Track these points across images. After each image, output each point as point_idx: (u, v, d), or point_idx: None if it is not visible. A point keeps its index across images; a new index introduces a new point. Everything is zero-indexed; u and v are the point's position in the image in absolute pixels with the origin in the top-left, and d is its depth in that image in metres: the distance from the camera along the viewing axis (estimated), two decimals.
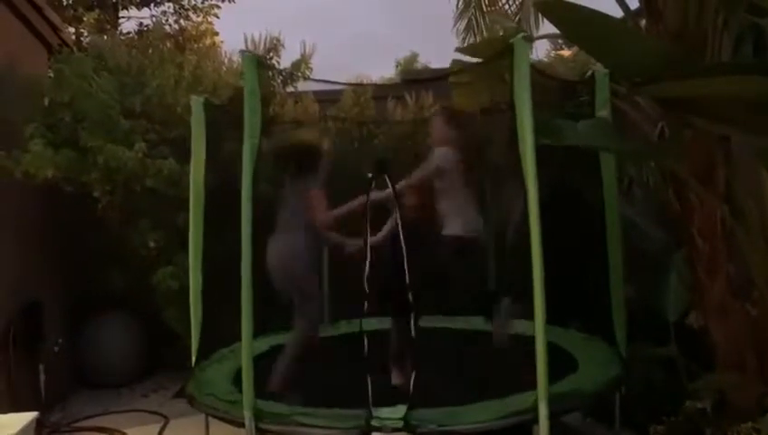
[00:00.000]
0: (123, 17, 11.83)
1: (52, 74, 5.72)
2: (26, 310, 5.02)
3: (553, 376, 3.27)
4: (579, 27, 3.15)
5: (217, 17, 11.96)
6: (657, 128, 3.92)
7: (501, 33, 6.53)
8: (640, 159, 5.14)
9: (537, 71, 3.92)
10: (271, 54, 6.04)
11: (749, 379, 3.60)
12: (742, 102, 2.88)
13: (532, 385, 3.17)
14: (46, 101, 5.40)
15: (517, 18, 6.81)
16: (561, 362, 3.92)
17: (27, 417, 3.70)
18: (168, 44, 6.30)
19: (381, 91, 6.55)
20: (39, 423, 4.07)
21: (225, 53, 6.70)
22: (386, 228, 4.48)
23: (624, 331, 4.13)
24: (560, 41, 9.12)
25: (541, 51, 12.41)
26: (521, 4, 6.94)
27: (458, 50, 5.42)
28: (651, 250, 4.66)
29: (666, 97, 3.39)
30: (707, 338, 3.82)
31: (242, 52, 3.72)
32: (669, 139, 3.80)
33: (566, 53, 7.97)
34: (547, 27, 6.63)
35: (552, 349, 3.30)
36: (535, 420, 3.17)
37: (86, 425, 4.94)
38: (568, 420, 4.20)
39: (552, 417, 3.19)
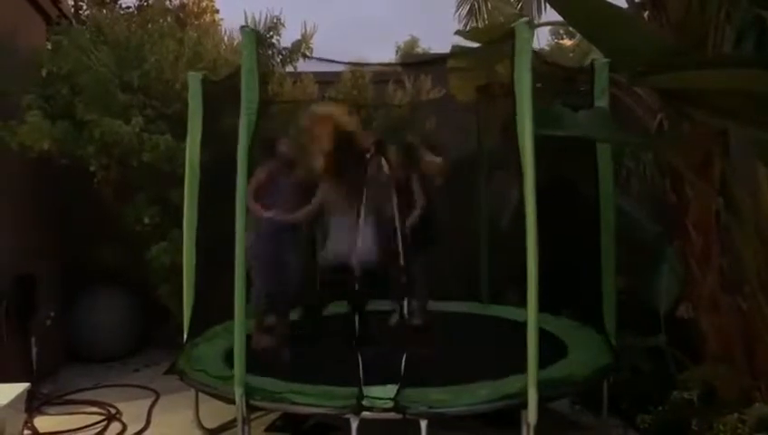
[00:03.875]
0: None
1: (50, 46, 5.66)
2: (19, 283, 5.01)
3: (543, 362, 3.28)
4: (582, 15, 3.15)
5: None
6: (655, 119, 3.93)
7: (501, 20, 6.51)
8: (638, 150, 5.16)
9: (539, 57, 3.90)
10: (271, 33, 5.99)
11: (737, 371, 3.65)
12: (742, 96, 2.89)
13: (522, 370, 3.19)
14: (44, 73, 5.35)
15: (519, 5, 6.79)
16: (552, 349, 3.95)
17: (19, 388, 3.71)
18: (169, 19, 6.23)
19: (380, 74, 6.52)
20: (30, 395, 4.08)
21: (225, 30, 6.65)
22: None
23: (614, 320, 4.15)
24: (561, 30, 9.11)
25: (542, 40, 12.35)
26: None
27: (458, 32, 5.35)
28: (645, 241, 4.69)
29: (665, 88, 3.40)
30: (697, 329, 3.86)
31: (242, 27, 3.67)
32: (668, 131, 3.81)
33: (567, 42, 7.96)
34: (550, 15, 6.61)
35: (543, 335, 3.32)
36: (524, 405, 3.20)
37: (77, 398, 4.95)
38: (556, 407, 4.24)
39: (541, 402, 3.22)
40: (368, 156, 3.87)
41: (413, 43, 15.48)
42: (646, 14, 4.05)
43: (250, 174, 3.43)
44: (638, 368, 4.26)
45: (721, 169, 3.63)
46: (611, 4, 3.07)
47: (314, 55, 5.91)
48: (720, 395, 3.68)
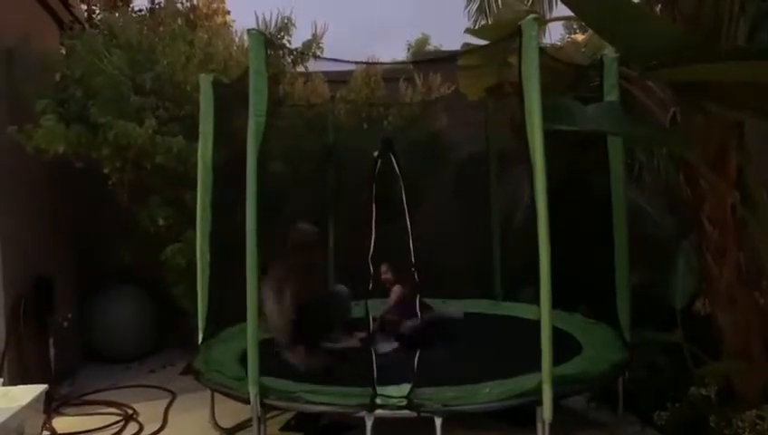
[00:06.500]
0: None
1: (63, 50, 5.71)
2: (37, 284, 5.06)
3: (557, 359, 3.27)
4: (593, 9, 3.12)
5: None
6: (669, 113, 3.89)
7: (510, 16, 6.47)
8: (651, 144, 5.11)
9: (546, 54, 3.88)
10: (282, 34, 6.00)
11: (755, 367, 3.61)
12: (756, 88, 2.86)
13: (537, 367, 3.17)
14: (58, 77, 5.40)
15: (530, 0, 6.74)
16: (566, 346, 3.93)
17: (37, 389, 3.75)
18: (180, 21, 6.26)
19: (391, 72, 6.51)
20: (48, 396, 4.13)
21: (236, 31, 6.67)
22: None
23: (628, 316, 4.12)
24: (574, 25, 9.04)
25: (554, 35, 12.30)
26: None
27: (468, 31, 5.33)
28: (660, 236, 4.65)
29: (679, 81, 3.36)
30: (714, 325, 3.82)
31: (249, 30, 3.68)
32: (681, 124, 3.77)
33: (579, 37, 7.89)
34: (561, 10, 6.56)
35: (557, 333, 3.30)
36: (539, 402, 3.19)
37: (94, 399, 4.99)
38: (572, 405, 4.21)
39: (556, 399, 3.21)
40: (375, 154, 3.84)
41: (424, 41, 15.49)
42: (658, 7, 4.01)
43: (260, 175, 3.44)
44: (655, 364, 4.22)
45: (737, 163, 3.59)
46: None
47: (326, 54, 5.93)
48: (738, 391, 3.64)
